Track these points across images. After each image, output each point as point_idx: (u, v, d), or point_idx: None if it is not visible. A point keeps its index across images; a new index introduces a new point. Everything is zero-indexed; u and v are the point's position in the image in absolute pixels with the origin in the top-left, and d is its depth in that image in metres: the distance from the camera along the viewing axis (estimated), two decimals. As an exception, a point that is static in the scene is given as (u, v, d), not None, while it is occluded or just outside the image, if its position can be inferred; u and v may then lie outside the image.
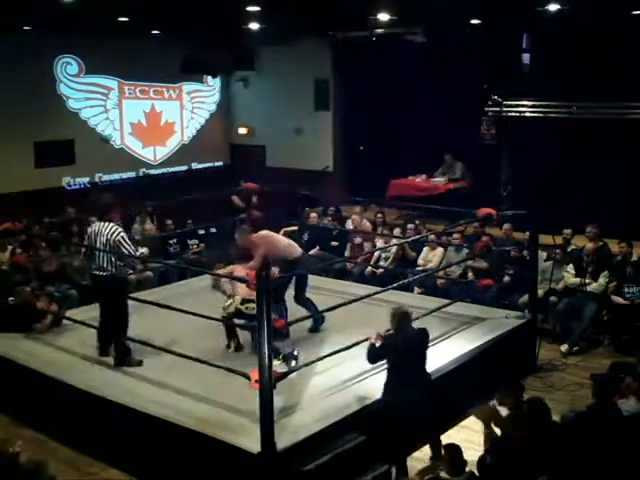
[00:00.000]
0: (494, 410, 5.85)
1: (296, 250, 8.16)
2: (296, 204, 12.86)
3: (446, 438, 6.72)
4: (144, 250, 7.87)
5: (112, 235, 7.24)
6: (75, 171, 14.11)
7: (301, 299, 8.11)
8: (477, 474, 5.27)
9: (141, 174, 15.14)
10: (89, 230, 7.55)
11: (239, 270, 7.56)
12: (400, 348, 6.24)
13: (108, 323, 7.53)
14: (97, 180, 14.42)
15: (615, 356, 8.61)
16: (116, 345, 7.45)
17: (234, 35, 12.70)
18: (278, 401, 5.97)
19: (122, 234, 7.32)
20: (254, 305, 6.69)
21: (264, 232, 8.18)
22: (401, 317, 6.31)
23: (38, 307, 8.31)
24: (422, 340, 6.43)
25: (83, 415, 6.82)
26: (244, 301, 7.17)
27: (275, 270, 7.79)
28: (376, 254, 11.16)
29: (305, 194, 12.22)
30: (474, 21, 11.17)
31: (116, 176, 14.66)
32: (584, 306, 9.20)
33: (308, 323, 8.09)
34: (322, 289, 9.24)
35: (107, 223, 7.36)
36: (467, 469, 5.29)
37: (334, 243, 11.72)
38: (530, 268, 8.92)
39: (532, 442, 5.19)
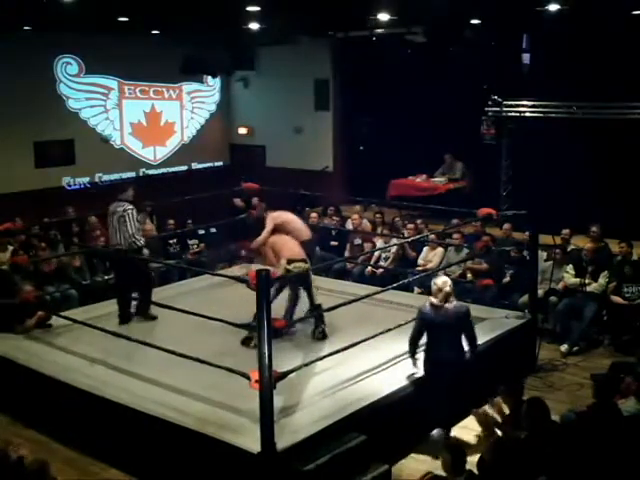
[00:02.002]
0: (497, 409, 5.86)
1: (306, 233, 8.36)
2: (295, 204, 12.86)
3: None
4: (145, 252, 8.26)
5: (122, 211, 8.08)
6: (75, 171, 14.11)
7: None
8: (477, 474, 5.26)
9: (141, 174, 15.14)
10: (109, 209, 8.32)
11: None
12: (439, 321, 6.58)
13: (128, 294, 8.46)
14: (97, 180, 14.43)
15: (615, 356, 8.61)
16: (139, 303, 8.44)
17: (234, 35, 12.70)
18: (278, 401, 5.97)
19: (129, 211, 8.11)
20: (300, 264, 7.51)
21: (278, 212, 8.51)
22: (448, 293, 6.58)
23: (29, 298, 8.35)
24: (461, 316, 6.68)
25: (83, 415, 6.83)
26: (290, 261, 7.52)
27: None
28: (376, 254, 11.16)
29: (304, 194, 12.22)
30: (474, 21, 11.17)
31: (116, 176, 14.65)
32: (584, 306, 9.19)
33: (309, 324, 8.10)
34: (322, 289, 9.23)
35: (121, 202, 8.19)
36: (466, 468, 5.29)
37: (334, 243, 11.72)
38: (530, 268, 8.92)
39: (531, 442, 5.20)
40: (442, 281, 6.67)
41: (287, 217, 8.47)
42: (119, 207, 8.15)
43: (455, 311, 6.64)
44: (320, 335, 7.90)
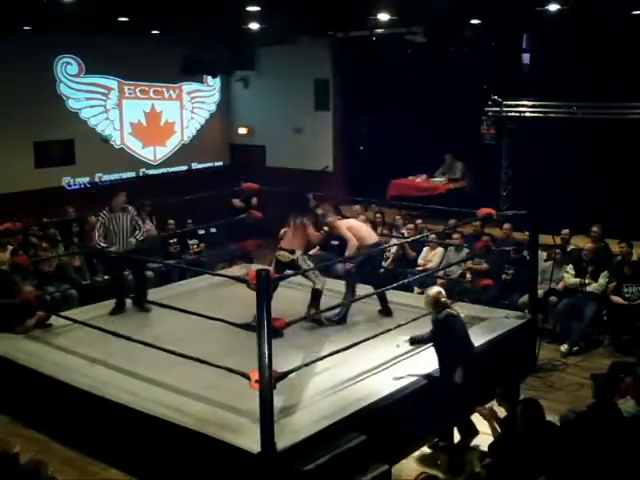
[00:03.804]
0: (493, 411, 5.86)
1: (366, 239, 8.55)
2: (295, 204, 12.82)
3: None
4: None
5: None
6: (75, 171, 14.10)
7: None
8: (478, 473, 5.27)
9: (141, 174, 15.14)
10: None
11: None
12: None
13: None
14: (97, 180, 14.41)
15: (615, 356, 8.62)
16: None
17: (234, 35, 12.69)
18: (278, 401, 5.97)
19: (99, 219, 8.94)
20: (284, 253, 8.18)
21: (349, 220, 9.04)
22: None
23: (29, 298, 8.35)
24: None
25: (83, 415, 6.83)
26: (279, 249, 8.31)
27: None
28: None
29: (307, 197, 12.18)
30: (474, 21, 11.17)
31: (116, 176, 14.64)
32: (584, 306, 9.20)
33: (310, 323, 8.10)
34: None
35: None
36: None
37: (334, 242, 11.69)
38: (530, 268, 8.92)
39: (531, 442, 5.20)
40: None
41: (352, 224, 8.78)
42: None
43: None
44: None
